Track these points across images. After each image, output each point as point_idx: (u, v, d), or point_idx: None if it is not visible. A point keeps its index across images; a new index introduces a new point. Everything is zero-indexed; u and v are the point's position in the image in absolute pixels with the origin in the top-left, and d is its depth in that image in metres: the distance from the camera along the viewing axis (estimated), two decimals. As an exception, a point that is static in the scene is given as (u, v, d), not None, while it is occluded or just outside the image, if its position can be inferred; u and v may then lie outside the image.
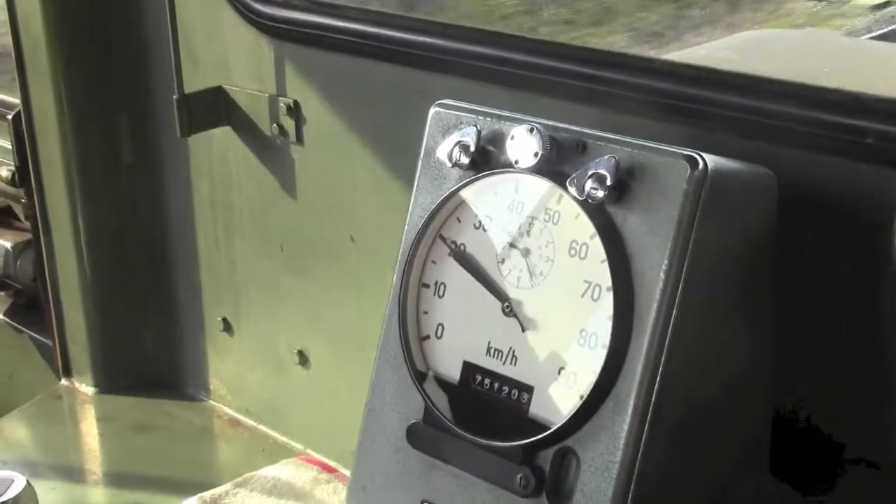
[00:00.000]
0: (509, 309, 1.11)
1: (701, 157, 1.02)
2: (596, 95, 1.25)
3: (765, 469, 1.17)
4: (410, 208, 1.19)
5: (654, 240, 1.02)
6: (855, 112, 1.10)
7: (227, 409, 1.86)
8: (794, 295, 1.14)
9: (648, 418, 1.02)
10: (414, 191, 1.19)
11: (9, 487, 1.43)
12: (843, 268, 1.14)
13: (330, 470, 1.62)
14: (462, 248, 1.15)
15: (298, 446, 1.75)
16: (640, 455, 1.03)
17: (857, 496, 1.17)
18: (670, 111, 1.19)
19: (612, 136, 1.07)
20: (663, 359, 1.02)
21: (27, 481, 1.45)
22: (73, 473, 1.77)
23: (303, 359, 1.71)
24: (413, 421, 1.16)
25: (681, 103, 1.19)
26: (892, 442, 1.16)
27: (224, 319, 1.81)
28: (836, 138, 1.11)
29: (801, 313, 1.15)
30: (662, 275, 1.02)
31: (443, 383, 1.15)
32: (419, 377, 1.16)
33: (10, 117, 1.92)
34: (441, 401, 1.14)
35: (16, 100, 1.88)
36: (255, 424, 1.82)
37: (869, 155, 1.10)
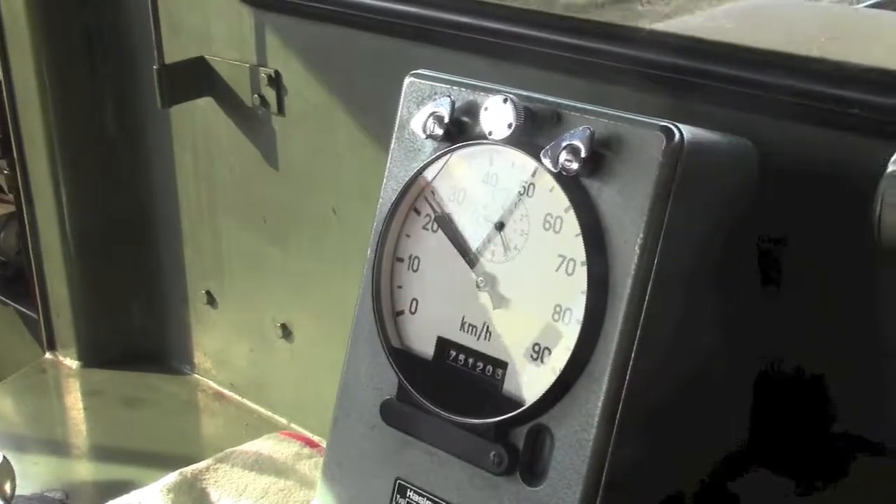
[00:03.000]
0: (483, 283, 1.09)
1: (677, 128, 1.00)
2: (576, 65, 1.23)
3: (746, 445, 1.16)
4: (384, 181, 1.17)
5: (629, 213, 1.00)
6: (840, 81, 1.08)
7: (211, 383, 1.86)
8: (777, 269, 1.13)
9: (623, 395, 1.01)
10: (388, 163, 1.17)
11: (-16, 463, 1.43)
12: (826, 240, 1.12)
13: (313, 445, 1.62)
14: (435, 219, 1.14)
15: (283, 420, 1.75)
16: (614, 432, 1.01)
17: (848, 480, 1.16)
18: (651, 81, 1.17)
19: (588, 107, 1.05)
20: (638, 334, 1.00)
21: (3, 456, 1.45)
22: (56, 448, 1.77)
23: (286, 332, 1.71)
24: (387, 397, 1.14)
25: (661, 73, 1.17)
26: (885, 421, 1.15)
27: (208, 292, 1.80)
28: (820, 108, 1.09)
29: (784, 287, 1.13)
30: (637, 249, 1.00)
31: (416, 359, 1.14)
32: (393, 353, 1.14)
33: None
34: (415, 377, 1.12)
35: (-3, 69, 1.87)
36: (239, 398, 1.82)
37: (854, 125, 1.08)
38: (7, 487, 1.44)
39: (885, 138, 1.03)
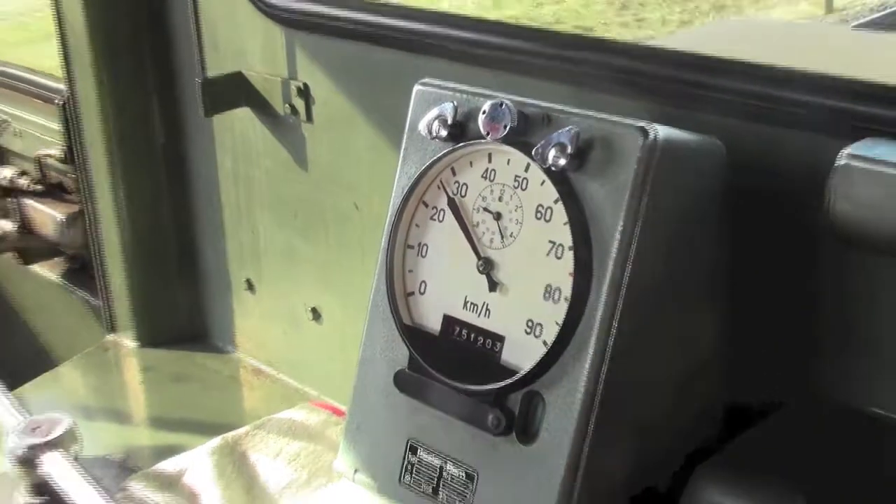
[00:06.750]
0: (483, 267, 1.10)
1: (653, 127, 1.00)
2: (564, 74, 1.23)
3: (713, 406, 1.16)
4: (397, 177, 1.18)
5: (611, 204, 1.01)
6: (791, 86, 1.09)
7: (251, 361, 1.87)
8: (741, 250, 1.13)
9: (605, 364, 1.02)
10: (400, 161, 1.18)
11: (55, 428, 1.44)
12: (783, 223, 1.12)
13: (339, 413, 1.62)
14: (443, 213, 1.14)
15: (313, 392, 1.75)
16: (598, 396, 1.02)
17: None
18: (629, 87, 1.17)
19: (574, 111, 1.06)
20: (619, 311, 1.01)
21: (71, 423, 1.46)
22: (117, 416, 1.78)
23: (316, 315, 1.71)
24: (399, 368, 1.15)
25: (637, 79, 1.17)
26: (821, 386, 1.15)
27: (247, 280, 1.81)
28: (776, 109, 1.09)
29: (745, 266, 1.13)
30: (618, 235, 1.00)
31: (425, 334, 1.14)
32: (405, 329, 1.15)
33: (59, 102, 1.92)
34: (424, 350, 1.13)
35: (64, 86, 1.88)
36: (275, 374, 1.82)
37: (804, 124, 1.08)
38: (74, 449, 1.45)
39: (834, 136, 1.02)
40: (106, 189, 1.85)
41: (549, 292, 1.05)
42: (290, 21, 1.55)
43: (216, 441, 1.55)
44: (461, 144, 1.11)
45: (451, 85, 1.15)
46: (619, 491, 1.08)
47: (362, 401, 1.20)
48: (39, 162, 2.06)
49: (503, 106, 1.07)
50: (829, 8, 7.51)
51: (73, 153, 1.89)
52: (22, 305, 2.32)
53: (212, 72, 1.63)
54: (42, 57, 1.84)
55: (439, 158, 1.12)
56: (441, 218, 1.14)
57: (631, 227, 1.00)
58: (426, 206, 1.15)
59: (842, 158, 0.98)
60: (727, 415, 1.16)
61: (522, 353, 1.06)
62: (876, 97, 1.06)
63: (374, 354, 1.18)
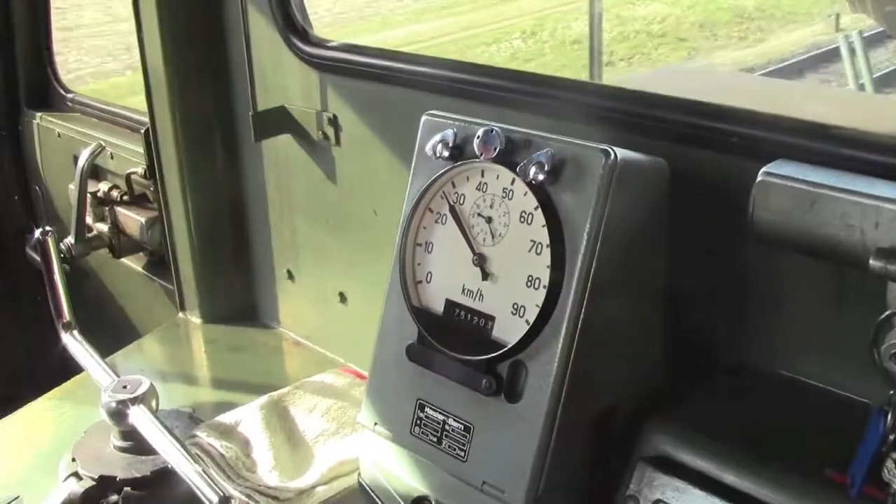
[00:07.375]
0: (477, 261, 1.06)
1: (613, 150, 0.97)
2: (542, 107, 1.20)
3: (658, 372, 1.12)
4: (408, 189, 1.14)
5: (580, 210, 0.98)
6: (723, 119, 1.05)
7: (291, 335, 1.82)
8: (681, 247, 1.09)
9: (576, 339, 0.98)
10: (410, 177, 1.14)
11: (138, 387, 1.41)
12: (715, 227, 1.09)
13: (362, 377, 1.58)
14: (445, 218, 1.10)
15: (341, 360, 1.71)
16: (570, 365, 0.99)
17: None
18: (593, 118, 1.14)
19: (551, 136, 1.03)
20: (587, 296, 0.98)
21: (151, 383, 1.42)
22: (186, 378, 1.74)
23: (343, 299, 1.67)
24: (410, 342, 1.11)
25: (601, 112, 1.13)
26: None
27: (288, 271, 1.77)
28: (710, 138, 1.06)
29: (684, 260, 1.10)
30: (585, 235, 0.97)
31: (431, 314, 1.11)
32: (414, 310, 1.11)
33: (143, 131, 1.88)
34: (430, 327, 1.09)
35: (146, 118, 1.84)
36: (311, 345, 1.78)
37: (735, 149, 1.05)
38: (153, 404, 1.42)
39: (756, 159, 0.98)
40: (178, 199, 1.81)
41: (531, 281, 1.01)
42: (323, 66, 1.51)
43: (264, 398, 1.51)
44: (459, 163, 1.07)
45: (452, 115, 1.11)
46: (586, 439, 1.04)
47: (380, 367, 1.16)
48: (128, 178, 2.03)
49: (493, 132, 1.03)
50: (837, 28, 7.60)
51: (153, 171, 1.85)
52: (113, 290, 2.29)
53: (261, 106, 1.59)
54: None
55: (442, 174, 1.09)
56: (444, 221, 1.10)
57: (596, 229, 0.97)
58: (431, 212, 1.11)
59: (760, 175, 0.95)
60: (667, 376, 1.12)
61: (509, 330, 1.02)
62: (786, 128, 1.03)
63: (390, 330, 1.15)
